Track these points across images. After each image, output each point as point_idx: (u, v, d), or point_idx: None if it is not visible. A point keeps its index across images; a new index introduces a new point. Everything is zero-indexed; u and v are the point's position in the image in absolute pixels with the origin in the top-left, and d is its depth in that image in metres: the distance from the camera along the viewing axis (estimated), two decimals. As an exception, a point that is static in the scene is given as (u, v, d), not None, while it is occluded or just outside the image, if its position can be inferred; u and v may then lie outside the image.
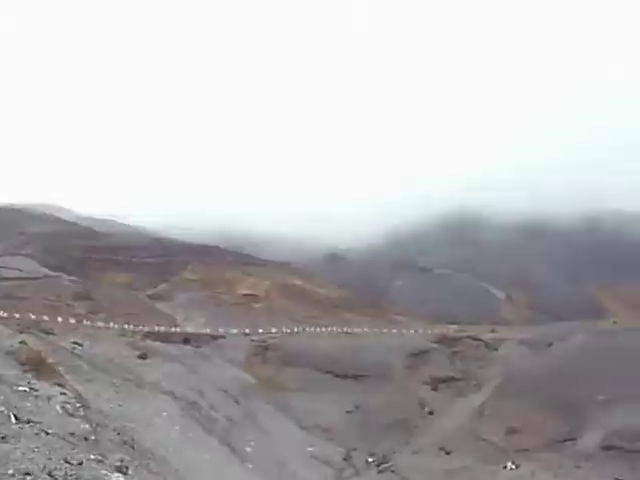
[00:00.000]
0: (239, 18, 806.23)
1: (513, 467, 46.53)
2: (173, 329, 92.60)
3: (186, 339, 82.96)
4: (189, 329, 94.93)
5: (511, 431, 54.00)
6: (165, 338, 77.41)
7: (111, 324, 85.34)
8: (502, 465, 47.36)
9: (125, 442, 20.13)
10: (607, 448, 45.33)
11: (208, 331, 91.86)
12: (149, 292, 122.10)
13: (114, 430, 21.06)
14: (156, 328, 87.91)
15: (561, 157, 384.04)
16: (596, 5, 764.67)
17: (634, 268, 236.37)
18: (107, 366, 39.67)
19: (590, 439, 47.71)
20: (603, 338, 69.03)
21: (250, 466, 39.19)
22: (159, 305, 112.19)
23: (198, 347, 74.29)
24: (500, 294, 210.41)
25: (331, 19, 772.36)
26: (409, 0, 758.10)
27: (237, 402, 50.16)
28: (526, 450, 49.78)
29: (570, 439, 49.28)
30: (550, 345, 75.01)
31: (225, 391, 50.33)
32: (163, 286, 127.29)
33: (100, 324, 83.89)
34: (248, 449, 42.54)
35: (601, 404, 51.79)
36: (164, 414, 35.33)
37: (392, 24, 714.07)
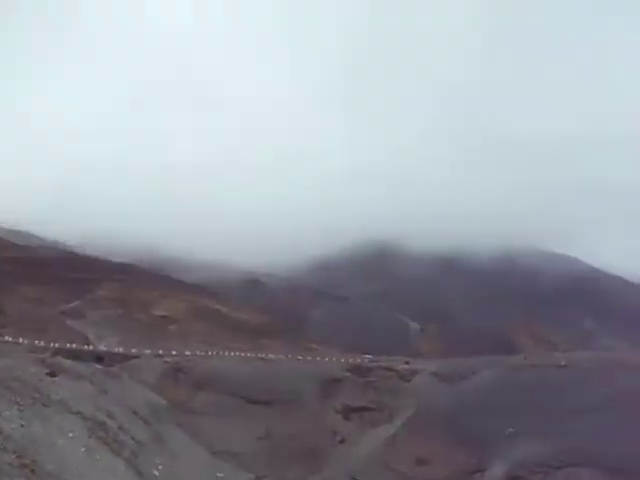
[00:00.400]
0: None
1: (422, 497, 46.89)
2: (85, 347, 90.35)
3: (98, 358, 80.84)
4: (102, 348, 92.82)
5: (421, 462, 54.52)
6: (76, 356, 75.16)
7: (20, 339, 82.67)
8: (411, 495, 47.68)
9: (25, 465, 19.36)
10: (513, 479, 46.20)
11: (121, 350, 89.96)
12: (62, 308, 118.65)
13: (14, 452, 20.27)
14: (67, 345, 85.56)
15: (481, 194, 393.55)
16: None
17: (546, 306, 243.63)
18: (12, 383, 38.21)
19: (497, 470, 48.58)
20: (512, 373, 70.68)
21: (157, 490, 38.32)
22: (71, 322, 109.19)
23: (110, 366, 72.48)
24: (414, 326, 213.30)
25: None
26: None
27: (147, 424, 49.00)
28: (435, 481, 50.29)
29: (477, 471, 50.04)
30: (462, 378, 76.21)
31: (135, 412, 49.11)
32: (77, 303, 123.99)
33: (8, 339, 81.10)
34: (156, 473, 41.55)
35: (508, 437, 52.84)
36: (70, 435, 34.20)
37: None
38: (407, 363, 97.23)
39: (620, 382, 59.57)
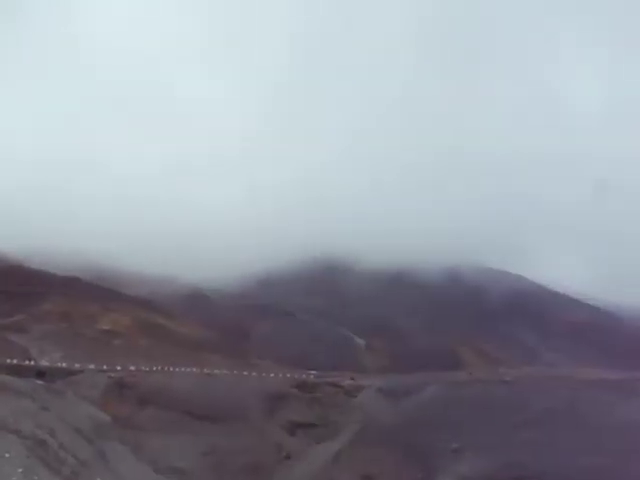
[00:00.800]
0: None
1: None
2: (26, 362, 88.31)
3: (40, 373, 79.00)
4: (44, 363, 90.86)
5: (366, 477, 54.63)
6: (17, 372, 73.27)
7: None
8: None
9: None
10: (457, 495, 46.60)
11: (64, 365, 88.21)
12: (2, 322, 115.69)
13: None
14: (7, 361, 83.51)
15: (427, 210, 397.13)
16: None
17: (490, 322, 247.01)
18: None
19: (442, 486, 48.90)
20: (458, 389, 71.40)
21: (98, 510, 37.48)
22: (13, 336, 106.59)
23: (52, 382, 70.91)
24: (360, 342, 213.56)
25: None
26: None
27: (90, 442, 47.93)
28: (381, 497, 50.37)
29: (423, 486, 50.31)
30: (407, 394, 76.61)
31: (78, 430, 48.02)
32: (18, 317, 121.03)
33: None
34: (97, 491, 40.73)
35: (453, 452, 53.29)
36: (7, 455, 33.30)
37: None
38: (353, 379, 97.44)
39: (562, 397, 60.70)
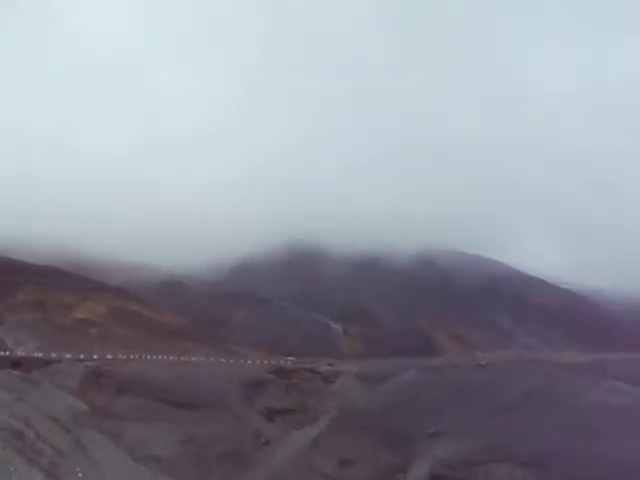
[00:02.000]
0: None
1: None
2: (1, 353, 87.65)
3: (15, 364, 78.43)
4: (19, 353, 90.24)
5: (345, 462, 55.00)
6: (-8, 363, 73.02)
7: None
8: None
9: None
10: (435, 477, 47.15)
11: (40, 355, 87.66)
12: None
13: None
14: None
15: (398, 195, 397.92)
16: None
17: (465, 306, 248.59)
18: None
19: (419, 470, 49.46)
20: (434, 374, 71.95)
21: (77, 499, 37.42)
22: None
23: (28, 372, 70.46)
24: (336, 327, 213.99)
25: None
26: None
27: (67, 431, 47.74)
28: (359, 481, 50.79)
29: (401, 470, 50.81)
30: (384, 379, 77.07)
31: (55, 419, 47.81)
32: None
33: None
34: (76, 481, 40.65)
35: (430, 436, 53.82)
36: (-18, 447, 33.15)
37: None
38: (330, 365, 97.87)
39: (536, 380, 61.43)
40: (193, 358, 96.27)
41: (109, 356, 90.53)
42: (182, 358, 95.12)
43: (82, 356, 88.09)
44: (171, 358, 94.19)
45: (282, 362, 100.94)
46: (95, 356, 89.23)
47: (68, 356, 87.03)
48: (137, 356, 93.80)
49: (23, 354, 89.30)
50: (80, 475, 41.96)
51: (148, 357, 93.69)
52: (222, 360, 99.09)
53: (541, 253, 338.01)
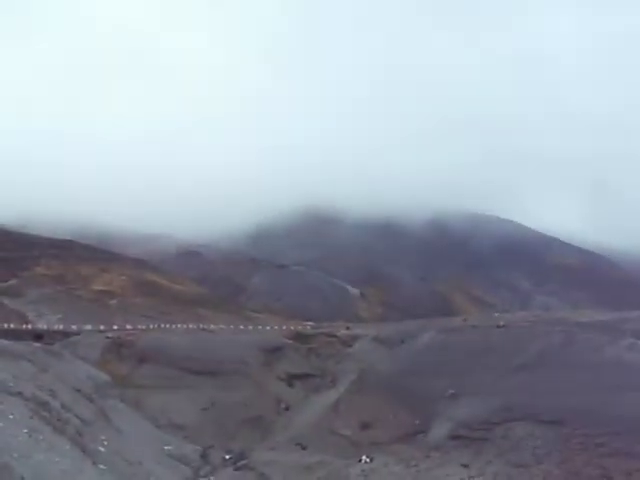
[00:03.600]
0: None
1: (368, 460, 47.74)
2: (24, 326, 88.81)
3: (37, 336, 79.49)
4: (41, 326, 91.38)
5: (365, 426, 55.40)
6: (14, 336, 73.74)
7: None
8: (357, 459, 48.50)
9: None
10: (454, 438, 47.45)
11: (61, 328, 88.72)
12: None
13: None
14: (5, 325, 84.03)
15: (416, 160, 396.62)
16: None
17: (482, 268, 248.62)
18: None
19: (439, 431, 49.74)
20: (452, 335, 72.10)
21: (103, 467, 38.08)
22: (8, 301, 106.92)
23: (50, 344, 71.38)
24: (354, 291, 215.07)
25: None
26: None
27: (91, 401, 48.51)
28: (379, 444, 51.23)
29: (421, 432, 51.15)
30: (402, 342, 77.37)
31: (78, 390, 48.52)
32: (13, 281, 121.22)
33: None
34: (101, 449, 41.31)
35: (449, 397, 54.14)
36: (10, 417, 33.70)
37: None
38: (348, 328, 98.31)
39: (555, 339, 61.48)
40: (212, 326, 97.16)
41: (129, 326, 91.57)
42: (201, 326, 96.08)
43: (102, 327, 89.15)
44: (190, 326, 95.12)
45: (300, 327, 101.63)
46: (115, 327, 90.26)
47: (88, 327, 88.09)
48: (157, 325, 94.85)
49: (44, 327, 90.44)
50: (105, 443, 42.67)
51: (167, 326, 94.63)
52: (241, 327, 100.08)
53: (558, 213, 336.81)
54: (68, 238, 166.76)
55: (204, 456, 55.93)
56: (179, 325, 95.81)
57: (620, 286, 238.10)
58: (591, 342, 59.36)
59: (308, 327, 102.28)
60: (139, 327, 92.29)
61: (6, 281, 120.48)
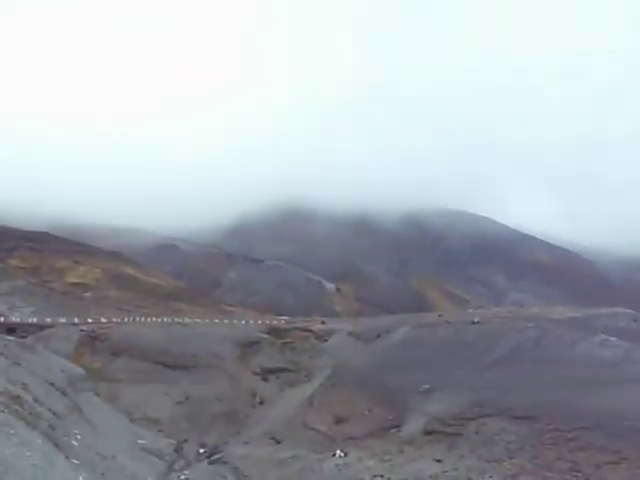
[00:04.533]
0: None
1: (342, 455, 47.94)
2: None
3: (10, 329, 78.81)
4: (14, 319, 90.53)
5: (339, 420, 55.57)
6: (-13, 329, 73.31)
7: None
8: (331, 453, 48.70)
9: None
10: (428, 433, 47.74)
11: (35, 320, 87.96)
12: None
13: None
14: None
15: (388, 157, 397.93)
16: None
17: (457, 264, 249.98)
18: None
19: (413, 426, 49.99)
20: (426, 331, 72.49)
21: (76, 461, 37.79)
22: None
23: (23, 337, 70.86)
24: (330, 286, 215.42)
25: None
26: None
27: (64, 394, 48.12)
28: (354, 438, 51.42)
29: (395, 426, 51.38)
30: (377, 337, 77.73)
31: (51, 383, 48.11)
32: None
33: None
34: (75, 443, 41.02)
35: (423, 393, 54.40)
36: (-20, 411, 33.37)
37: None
38: (323, 323, 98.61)
39: (528, 335, 62.07)
40: (187, 319, 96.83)
41: (103, 319, 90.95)
42: (176, 319, 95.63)
43: (76, 320, 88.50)
44: (165, 320, 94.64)
45: (276, 322, 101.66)
46: (89, 320, 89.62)
47: (62, 320, 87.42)
48: (131, 319, 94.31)
49: (18, 320, 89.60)
50: (78, 437, 42.38)
51: (142, 319, 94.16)
52: (216, 321, 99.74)
53: (533, 211, 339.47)
54: (43, 230, 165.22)
55: (178, 450, 55.92)
56: (154, 318, 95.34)
57: (593, 283, 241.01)
58: (563, 338, 60.00)
59: (283, 322, 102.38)
60: (114, 320, 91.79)
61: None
